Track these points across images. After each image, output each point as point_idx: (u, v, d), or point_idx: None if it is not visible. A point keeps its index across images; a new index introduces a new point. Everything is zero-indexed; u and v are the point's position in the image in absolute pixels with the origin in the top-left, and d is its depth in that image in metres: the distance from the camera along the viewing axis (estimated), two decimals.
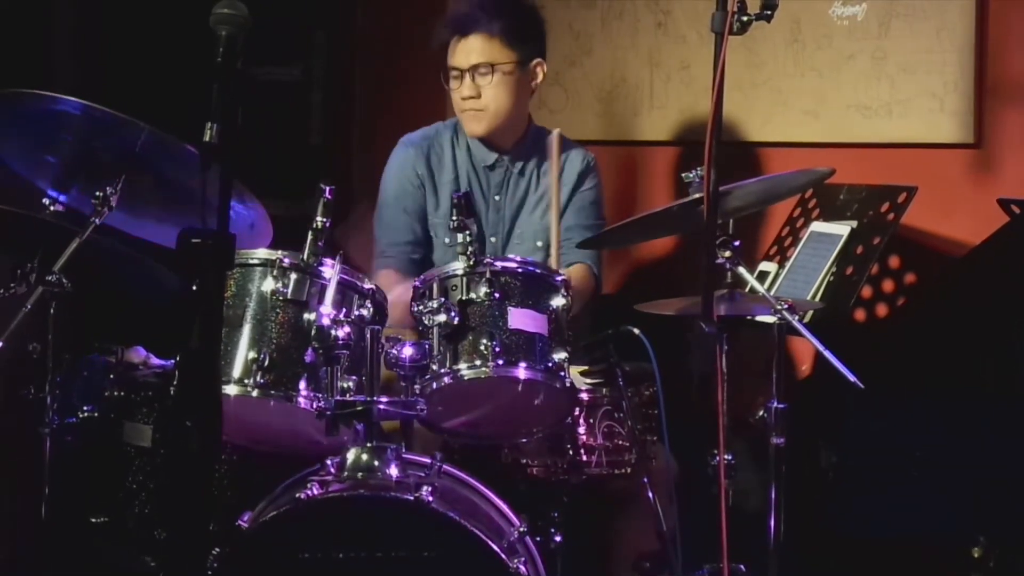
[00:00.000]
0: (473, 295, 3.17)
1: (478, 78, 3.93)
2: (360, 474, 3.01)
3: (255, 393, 3.07)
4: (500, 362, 3.14)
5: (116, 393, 3.43)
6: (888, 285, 4.19)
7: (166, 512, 3.35)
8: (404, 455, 3.09)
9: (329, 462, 3.04)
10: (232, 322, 3.09)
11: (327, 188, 3.14)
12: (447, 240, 4.01)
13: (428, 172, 4.06)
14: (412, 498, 2.92)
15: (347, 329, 3.05)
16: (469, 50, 3.94)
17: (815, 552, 3.85)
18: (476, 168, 4.07)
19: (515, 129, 4.05)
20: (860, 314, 4.15)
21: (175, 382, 3.04)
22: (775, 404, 3.33)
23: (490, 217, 4.04)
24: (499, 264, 3.21)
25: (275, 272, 3.11)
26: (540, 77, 4.03)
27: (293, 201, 3.95)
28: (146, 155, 3.26)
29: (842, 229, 4.01)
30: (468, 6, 3.97)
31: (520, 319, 3.17)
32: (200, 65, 2.43)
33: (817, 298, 3.92)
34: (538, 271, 3.27)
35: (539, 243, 3.97)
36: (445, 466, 3.14)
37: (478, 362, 3.14)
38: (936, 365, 3.90)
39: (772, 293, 3.65)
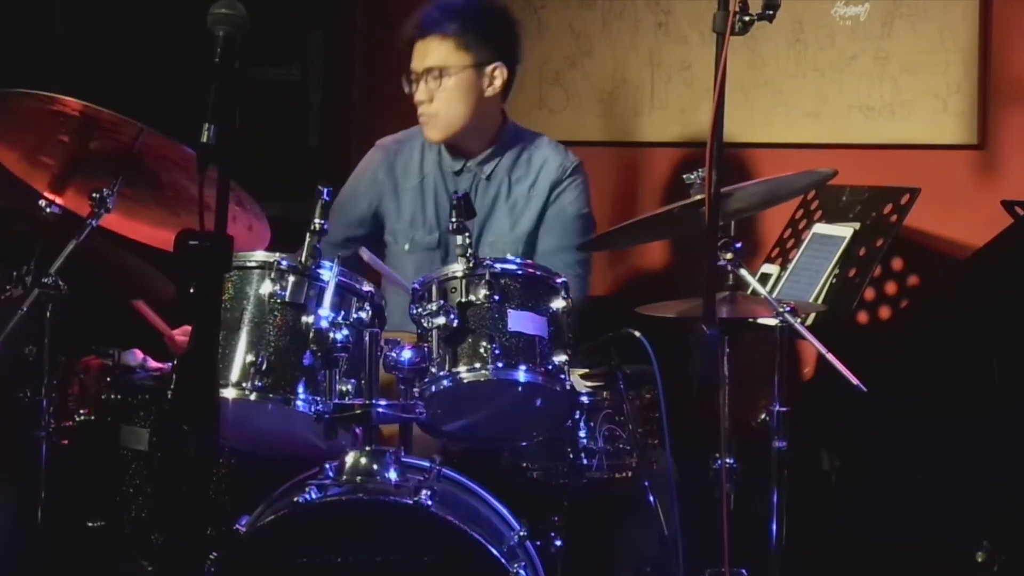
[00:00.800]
0: (472, 297, 3.14)
1: (430, 81, 3.86)
2: (359, 478, 2.99)
3: (253, 396, 3.04)
4: (500, 365, 3.11)
5: (113, 396, 3.42)
6: (891, 287, 4.18)
7: (163, 516, 3.34)
8: (403, 459, 3.07)
9: (327, 466, 3.02)
10: (230, 325, 3.06)
11: (325, 190, 3.12)
12: (406, 247, 3.98)
13: (390, 178, 4.02)
14: (411, 502, 2.90)
15: (345, 332, 3.03)
16: (424, 53, 3.88)
17: (817, 556, 3.85)
18: (444, 173, 4.01)
19: (481, 134, 3.97)
20: (863, 316, 4.14)
21: (172, 385, 3.03)
22: (777, 407, 3.32)
23: None
24: (499, 266, 3.18)
25: (273, 275, 3.09)
26: (499, 82, 3.91)
27: (291, 203, 3.94)
28: (143, 156, 3.24)
29: (845, 231, 4.00)
30: (430, 7, 3.89)
31: (520, 321, 3.15)
32: (198, 65, 2.41)
33: (819, 300, 3.90)
34: (538, 273, 3.25)
35: (509, 256, 3.89)
36: (444, 470, 3.12)
37: (478, 365, 3.11)
38: (939, 368, 3.89)
39: (774, 295, 3.64)
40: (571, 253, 3.94)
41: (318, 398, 3.05)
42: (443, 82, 3.86)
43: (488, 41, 3.90)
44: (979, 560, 3.71)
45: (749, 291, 3.46)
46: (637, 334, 3.38)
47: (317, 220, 3.11)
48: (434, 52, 3.86)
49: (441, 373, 3.12)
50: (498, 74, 3.91)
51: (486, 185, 3.99)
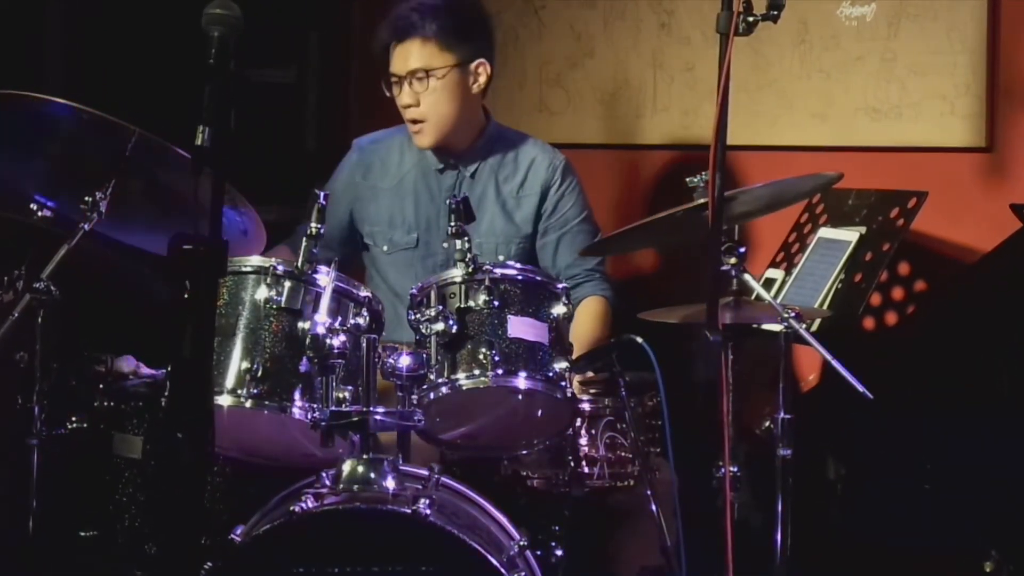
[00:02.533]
0: (472, 303, 3.12)
1: (415, 84, 3.83)
2: (356, 487, 2.97)
3: (249, 404, 3.03)
4: (499, 371, 3.09)
5: (106, 403, 3.41)
6: (898, 292, 4.16)
7: (157, 526, 3.33)
8: (401, 467, 3.05)
9: (324, 474, 3.00)
10: (225, 331, 3.04)
11: (321, 193, 3.11)
12: (385, 248, 3.95)
13: (367, 180, 4.00)
14: (409, 511, 2.88)
15: (342, 338, 3.01)
16: (406, 55, 3.85)
17: (822, 565, 3.83)
18: (425, 172, 3.97)
19: (467, 132, 3.94)
20: (869, 322, 4.12)
21: (166, 392, 2.99)
22: (782, 414, 3.29)
23: (441, 223, 3.92)
24: (498, 271, 3.16)
25: (269, 280, 3.07)
26: (484, 78, 3.90)
27: (287, 206, 3.91)
28: (137, 159, 3.22)
29: (850, 235, 3.97)
30: (405, 10, 3.87)
31: (520, 327, 3.13)
32: (192, 67, 2.39)
33: (825, 306, 3.88)
34: (539, 278, 3.22)
35: (500, 257, 3.86)
36: (443, 478, 3.10)
37: (477, 371, 3.09)
38: (947, 374, 3.87)
39: (779, 301, 3.62)
40: (587, 259, 3.95)
41: (315, 405, 3.03)
42: (429, 84, 3.83)
43: (469, 39, 3.89)
44: (987, 570, 3.69)
45: (753, 296, 3.44)
46: (639, 340, 3.35)
47: (313, 224, 3.10)
48: (416, 54, 3.83)
49: (440, 380, 3.10)
50: (482, 70, 3.90)
51: (471, 183, 3.96)
